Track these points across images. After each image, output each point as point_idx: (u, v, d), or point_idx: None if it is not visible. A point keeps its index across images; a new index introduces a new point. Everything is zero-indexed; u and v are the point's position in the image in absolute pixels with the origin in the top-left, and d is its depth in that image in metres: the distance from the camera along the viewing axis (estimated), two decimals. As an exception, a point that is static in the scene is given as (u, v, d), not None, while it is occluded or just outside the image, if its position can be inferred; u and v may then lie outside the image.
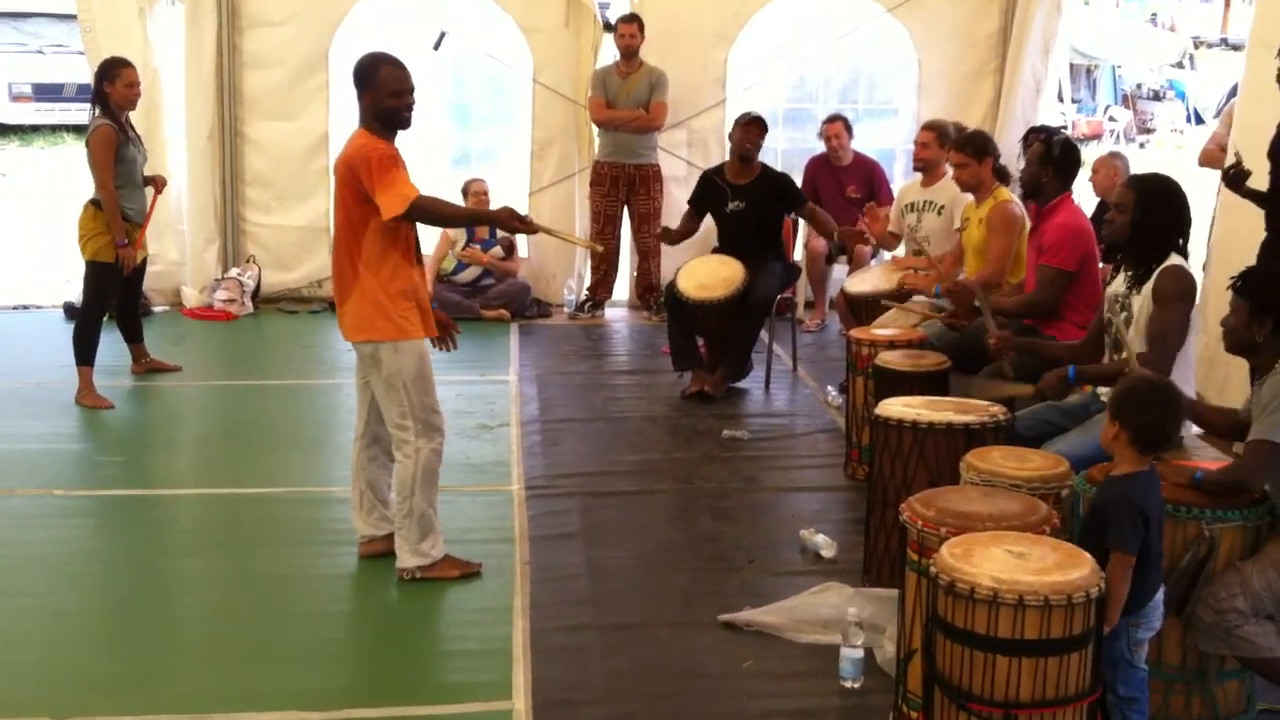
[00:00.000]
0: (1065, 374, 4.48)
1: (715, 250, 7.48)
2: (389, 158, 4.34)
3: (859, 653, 3.85)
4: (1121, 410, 3.30)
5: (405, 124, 4.44)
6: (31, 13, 19.67)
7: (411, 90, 4.42)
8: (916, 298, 6.43)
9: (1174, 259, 4.29)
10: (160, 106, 8.76)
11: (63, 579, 4.63)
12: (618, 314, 9.47)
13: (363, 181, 4.32)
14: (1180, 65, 25.86)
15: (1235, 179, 5.49)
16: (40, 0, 19.22)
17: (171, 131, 8.93)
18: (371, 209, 4.35)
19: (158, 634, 4.23)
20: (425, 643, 4.30)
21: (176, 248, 9.08)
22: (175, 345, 8.01)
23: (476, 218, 4.44)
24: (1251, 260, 5.13)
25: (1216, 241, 6.50)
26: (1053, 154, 5.45)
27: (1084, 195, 6.38)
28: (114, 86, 6.75)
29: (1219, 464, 3.62)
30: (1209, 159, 6.90)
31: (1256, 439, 3.40)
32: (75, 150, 14.35)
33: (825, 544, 4.88)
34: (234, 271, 9.25)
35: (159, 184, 7.25)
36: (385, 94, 4.36)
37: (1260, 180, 5.41)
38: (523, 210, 9.10)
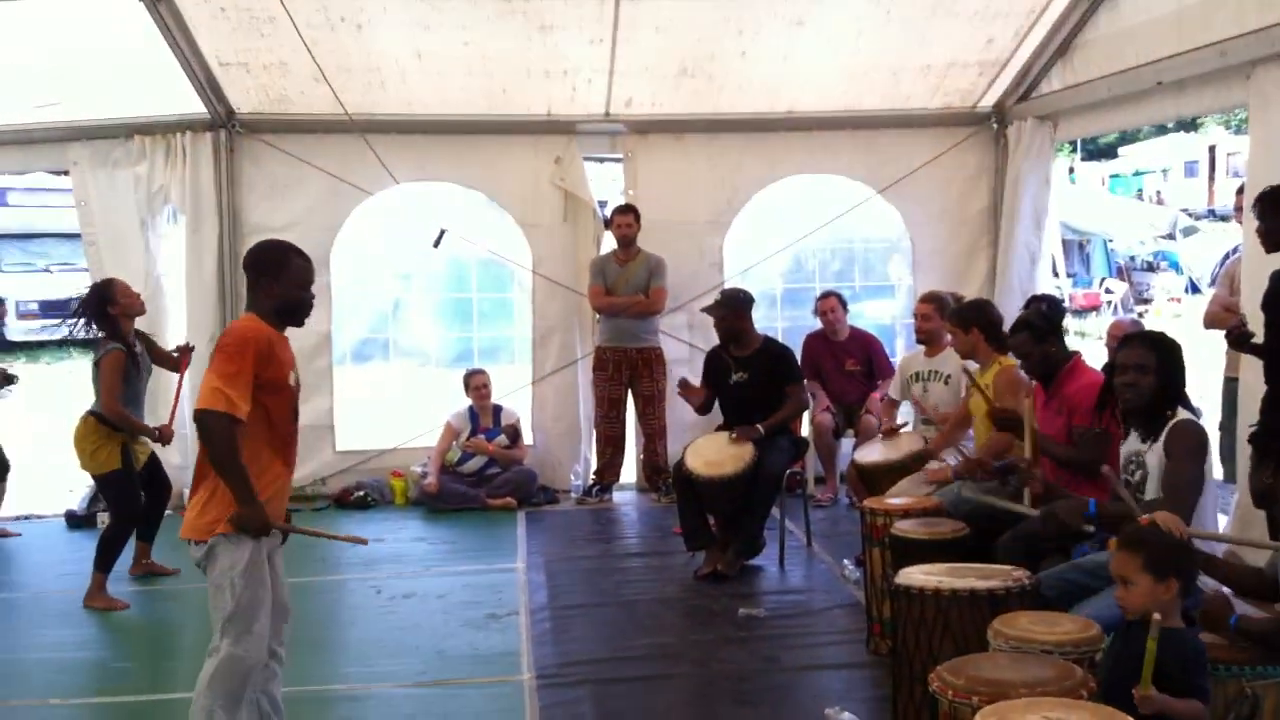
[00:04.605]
0: (1085, 505, 4.39)
1: (720, 428, 7.44)
2: (242, 353, 4.03)
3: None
4: (1179, 567, 3.31)
5: (304, 318, 4.28)
6: (38, 233, 20.40)
7: (312, 284, 4.24)
8: (932, 464, 6.36)
9: (1182, 413, 4.25)
10: (165, 313, 8.88)
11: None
12: (626, 497, 9.38)
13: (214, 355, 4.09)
14: (1171, 237, 26.34)
15: (1239, 340, 5.49)
16: (47, 221, 19.87)
17: (174, 338, 8.99)
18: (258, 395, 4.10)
19: None
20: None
21: (181, 453, 9.04)
22: (176, 549, 7.88)
23: (240, 484, 4.04)
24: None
25: (1242, 397, 6.49)
26: (1039, 327, 5.47)
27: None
28: (116, 304, 6.79)
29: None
30: (1214, 320, 6.93)
31: None
32: (80, 363, 14.44)
33: (852, 723, 4.70)
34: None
35: (185, 354, 7.24)
36: (294, 285, 4.18)
37: (1258, 334, 5.43)
38: (526, 399, 9.34)
